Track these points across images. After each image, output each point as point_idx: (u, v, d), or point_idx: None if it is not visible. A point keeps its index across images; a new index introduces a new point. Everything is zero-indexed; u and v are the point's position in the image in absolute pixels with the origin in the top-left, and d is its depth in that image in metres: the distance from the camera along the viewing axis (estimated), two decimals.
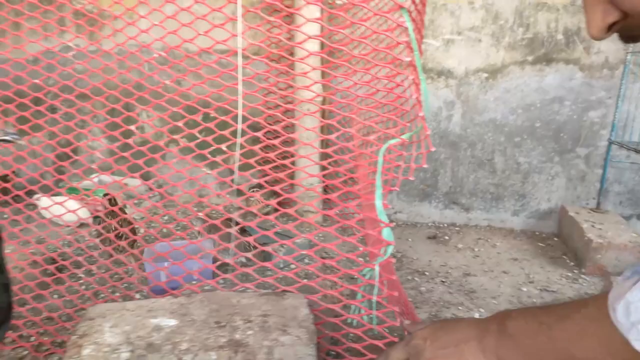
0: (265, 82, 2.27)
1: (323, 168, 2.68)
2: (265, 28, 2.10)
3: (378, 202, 1.30)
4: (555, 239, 3.04)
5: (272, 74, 1.74)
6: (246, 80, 1.43)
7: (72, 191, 2.30)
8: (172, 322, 1.31)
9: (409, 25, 1.11)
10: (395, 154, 1.40)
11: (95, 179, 1.91)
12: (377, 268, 1.37)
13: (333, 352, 1.64)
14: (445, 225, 3.22)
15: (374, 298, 1.35)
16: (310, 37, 1.32)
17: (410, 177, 1.32)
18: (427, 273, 2.55)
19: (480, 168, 3.13)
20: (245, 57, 1.50)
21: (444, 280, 2.48)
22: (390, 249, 1.37)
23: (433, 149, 1.30)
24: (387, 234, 1.33)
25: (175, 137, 1.87)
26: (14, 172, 2.28)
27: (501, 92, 2.98)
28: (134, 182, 2.59)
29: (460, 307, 2.22)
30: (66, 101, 1.92)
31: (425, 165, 1.32)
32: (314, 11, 2.44)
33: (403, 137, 1.37)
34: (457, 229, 3.16)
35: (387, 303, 1.39)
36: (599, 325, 0.61)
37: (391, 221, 1.35)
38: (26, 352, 1.84)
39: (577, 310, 0.66)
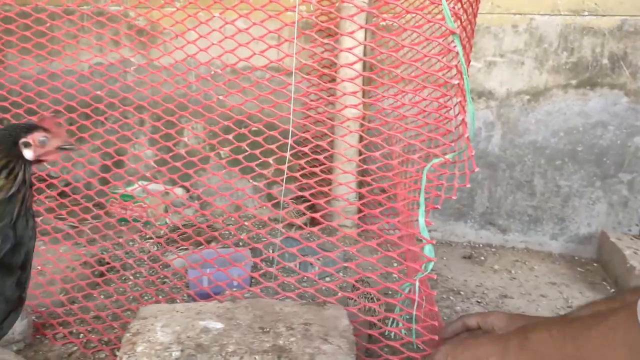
0: (309, 99, 2.35)
1: (360, 184, 2.73)
2: (310, 47, 2.19)
3: (421, 220, 1.34)
4: (595, 264, 2.98)
5: (318, 92, 1.81)
6: (297, 97, 1.51)
7: (125, 197, 2.43)
8: (219, 325, 1.37)
9: (460, 49, 1.16)
10: (437, 173, 1.44)
11: (148, 187, 2.02)
12: (417, 283, 1.41)
13: None
14: (481, 245, 3.20)
15: (414, 312, 1.38)
16: (360, 59, 1.38)
17: (452, 196, 1.36)
18: (462, 292, 2.54)
19: (519, 190, 3.11)
20: (293, 74, 1.58)
21: (479, 300, 2.47)
22: (431, 265, 1.40)
23: (477, 169, 1.34)
24: (428, 250, 1.36)
25: (223, 149, 1.96)
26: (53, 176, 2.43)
27: (543, 114, 2.97)
28: (180, 191, 2.70)
29: None
30: (123, 112, 2.04)
31: (468, 185, 1.35)
32: (358, 34, 2.52)
33: (447, 156, 1.41)
34: (493, 249, 3.13)
35: (426, 317, 1.42)
36: (627, 331, 0.62)
37: None
38: (76, 348, 1.94)
39: (604, 319, 0.67)
